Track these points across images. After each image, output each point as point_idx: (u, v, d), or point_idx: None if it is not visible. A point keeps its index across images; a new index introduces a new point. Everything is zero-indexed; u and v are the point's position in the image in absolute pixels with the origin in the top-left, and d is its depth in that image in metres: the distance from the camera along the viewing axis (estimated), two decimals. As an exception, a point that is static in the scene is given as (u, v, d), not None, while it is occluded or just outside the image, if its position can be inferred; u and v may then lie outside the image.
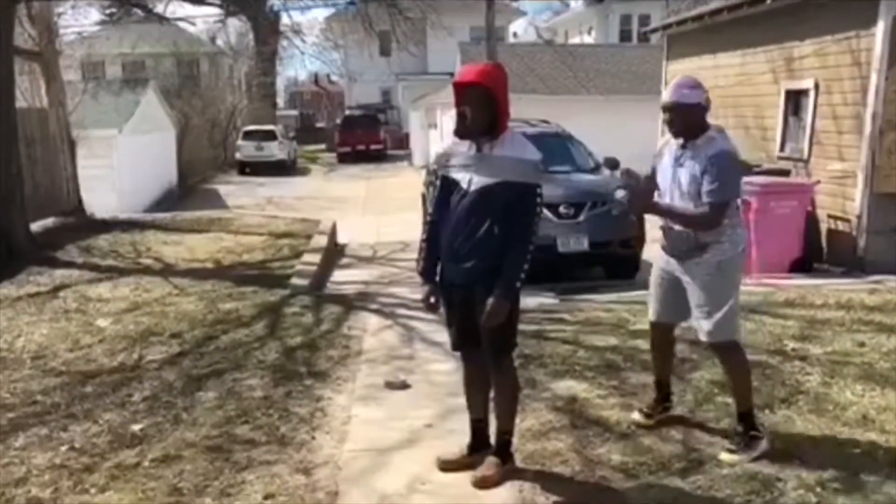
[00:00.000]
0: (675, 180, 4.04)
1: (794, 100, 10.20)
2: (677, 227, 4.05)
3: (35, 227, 11.41)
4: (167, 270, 9.24)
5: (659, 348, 4.49)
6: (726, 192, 3.90)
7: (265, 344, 6.23)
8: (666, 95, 4.05)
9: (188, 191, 23.62)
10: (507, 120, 3.70)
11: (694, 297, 4.05)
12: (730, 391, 4.25)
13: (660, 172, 4.17)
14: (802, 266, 8.92)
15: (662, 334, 4.43)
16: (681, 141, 4.03)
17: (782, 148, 10.35)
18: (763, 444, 4.01)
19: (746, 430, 4.04)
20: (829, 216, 9.27)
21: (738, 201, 4.07)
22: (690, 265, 4.03)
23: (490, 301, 3.60)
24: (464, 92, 3.66)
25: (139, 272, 9.07)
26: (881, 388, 4.86)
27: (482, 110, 3.63)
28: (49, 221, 12.41)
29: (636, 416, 4.47)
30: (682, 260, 4.08)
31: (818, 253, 9.33)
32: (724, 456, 3.97)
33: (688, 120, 3.98)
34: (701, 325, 4.05)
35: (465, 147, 3.74)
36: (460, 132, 3.73)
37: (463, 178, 3.70)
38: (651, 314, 4.39)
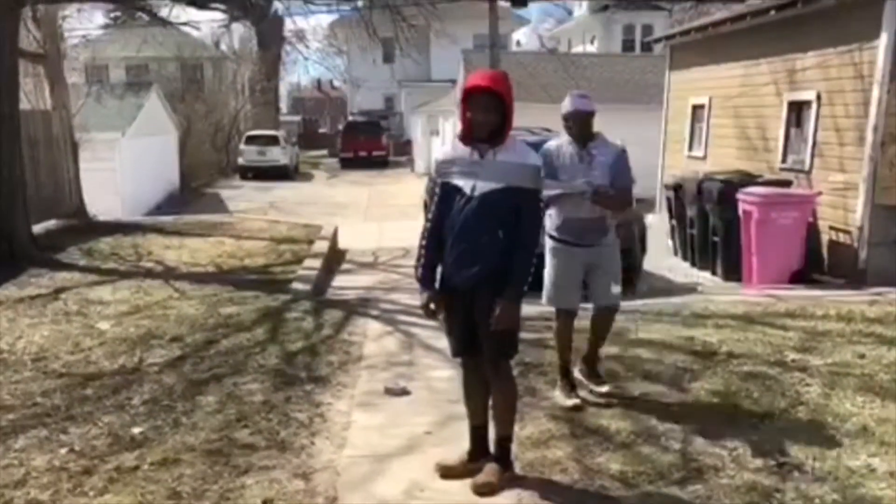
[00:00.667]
0: (588, 174, 4.75)
1: (797, 111, 10.23)
2: (596, 216, 4.77)
3: (37, 228, 11.42)
4: (168, 274, 9.25)
5: (567, 336, 5.02)
6: (632, 180, 4.86)
7: (265, 349, 6.23)
8: (569, 106, 4.82)
9: (190, 194, 23.65)
10: (511, 128, 3.73)
11: (607, 272, 4.90)
12: (597, 340, 5.14)
13: (563, 171, 4.79)
14: (803, 277, 8.92)
15: (571, 321, 5.00)
16: (575, 144, 4.81)
17: (784, 159, 10.37)
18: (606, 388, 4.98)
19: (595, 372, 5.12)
20: (831, 227, 9.28)
21: None
22: (602, 248, 4.86)
23: (499, 305, 3.61)
24: (476, 97, 3.68)
25: (140, 275, 9.08)
26: (881, 400, 4.86)
27: (493, 115, 3.66)
28: (51, 223, 12.44)
29: (572, 401, 4.84)
30: (594, 245, 4.83)
31: (819, 264, 9.34)
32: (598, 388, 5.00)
33: (586, 125, 4.82)
34: (612, 291, 4.93)
35: (467, 153, 3.75)
36: (466, 137, 3.74)
37: (466, 184, 3.71)
38: (565, 303, 4.94)
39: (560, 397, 4.91)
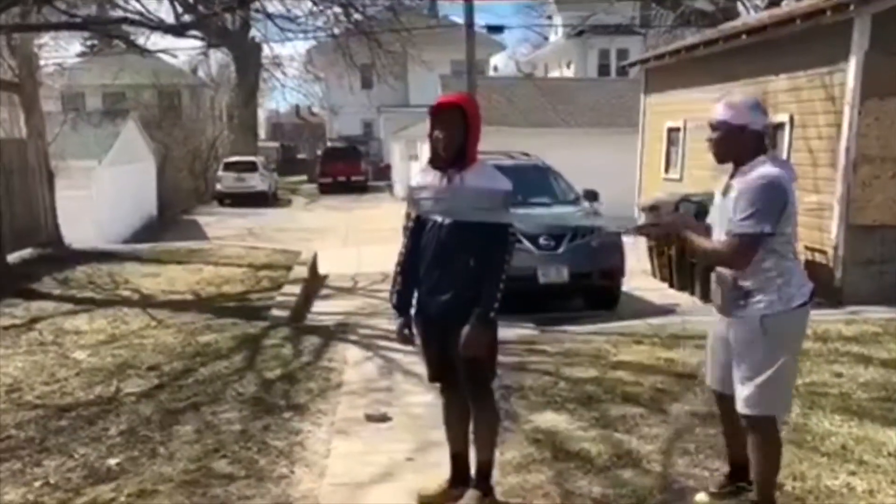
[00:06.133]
0: (721, 214, 3.54)
1: (770, 133, 10.35)
2: (718, 271, 3.57)
3: (12, 258, 11.30)
4: (145, 302, 9.16)
5: (723, 420, 3.86)
6: (758, 224, 3.30)
7: (244, 376, 6.17)
8: (713, 112, 3.55)
9: (168, 222, 23.51)
10: (476, 149, 3.72)
11: (735, 359, 3.50)
12: (752, 469, 3.61)
13: (712, 208, 3.70)
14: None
15: (722, 405, 3.76)
16: (731, 168, 3.53)
17: (759, 180, 10.48)
18: None
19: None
20: (806, 248, 9.37)
21: (788, 243, 3.44)
22: (735, 320, 3.49)
23: (466, 331, 3.60)
24: (442, 114, 3.67)
25: (117, 304, 8.99)
26: (859, 419, 4.89)
27: (455, 133, 3.64)
28: (26, 253, 12.30)
29: (701, 496, 3.83)
30: (727, 313, 3.54)
31: (796, 284, 9.40)
32: None
33: (730, 142, 3.47)
34: (739, 391, 3.47)
35: (437, 180, 3.73)
36: (435, 160, 3.73)
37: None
38: (707, 379, 3.87)
39: None
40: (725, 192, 3.52)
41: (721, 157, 3.54)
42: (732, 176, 3.50)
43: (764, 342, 3.40)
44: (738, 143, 3.45)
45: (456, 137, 3.64)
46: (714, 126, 3.52)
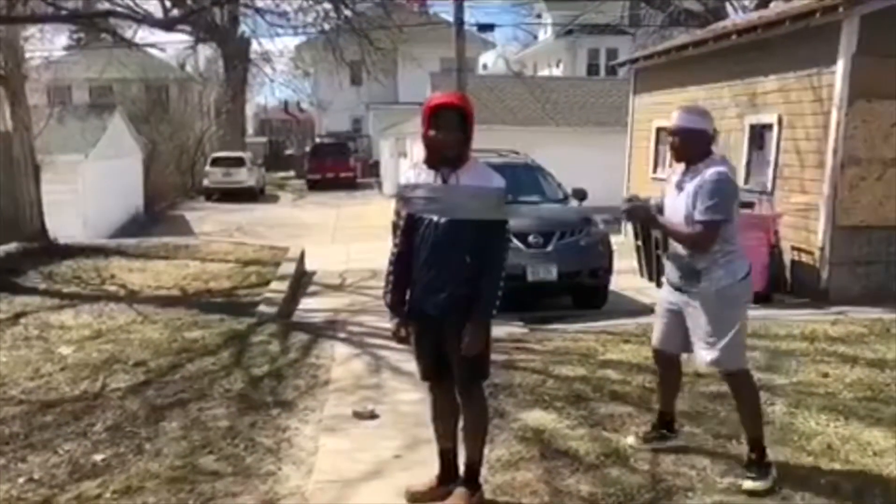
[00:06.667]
0: (675, 204, 4.10)
1: (759, 134, 10.40)
2: (677, 252, 4.13)
3: (-4, 252, 11.21)
4: (132, 297, 9.11)
5: (663, 377, 4.55)
6: (717, 212, 3.90)
7: (231, 373, 6.14)
8: (673, 120, 4.11)
9: (155, 217, 23.40)
10: (469, 147, 3.70)
11: (696, 328, 4.07)
12: (740, 420, 4.20)
13: (666, 198, 4.25)
14: (767, 297, 9.03)
15: (666, 363, 4.44)
16: (683, 166, 4.13)
17: (746, 181, 10.53)
18: (773, 470, 4.05)
19: (760, 457, 4.05)
20: (793, 248, 9.42)
21: (734, 230, 4.06)
22: (692, 294, 4.06)
23: (468, 329, 3.59)
24: (444, 115, 3.62)
25: (103, 299, 8.93)
26: (845, 419, 4.92)
27: (459, 134, 3.62)
28: (11, 247, 12.20)
29: (630, 439, 4.55)
30: (682, 289, 4.13)
31: (782, 284, 9.46)
32: (748, 483, 3.97)
33: (691, 145, 4.05)
34: (703, 354, 4.07)
35: (431, 178, 3.71)
36: (432, 160, 3.70)
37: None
38: (653, 340, 4.44)
39: None
40: (680, 186, 4.09)
41: (680, 158, 4.14)
42: (685, 173, 4.09)
43: (720, 311, 4.00)
44: (697, 145, 4.06)
45: (458, 138, 3.62)
46: (677, 132, 4.09)
